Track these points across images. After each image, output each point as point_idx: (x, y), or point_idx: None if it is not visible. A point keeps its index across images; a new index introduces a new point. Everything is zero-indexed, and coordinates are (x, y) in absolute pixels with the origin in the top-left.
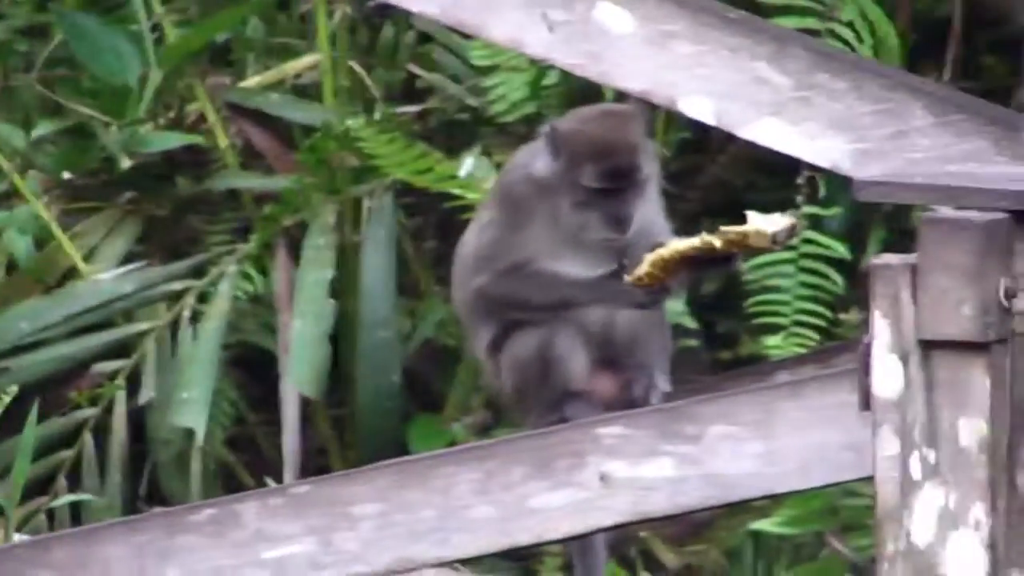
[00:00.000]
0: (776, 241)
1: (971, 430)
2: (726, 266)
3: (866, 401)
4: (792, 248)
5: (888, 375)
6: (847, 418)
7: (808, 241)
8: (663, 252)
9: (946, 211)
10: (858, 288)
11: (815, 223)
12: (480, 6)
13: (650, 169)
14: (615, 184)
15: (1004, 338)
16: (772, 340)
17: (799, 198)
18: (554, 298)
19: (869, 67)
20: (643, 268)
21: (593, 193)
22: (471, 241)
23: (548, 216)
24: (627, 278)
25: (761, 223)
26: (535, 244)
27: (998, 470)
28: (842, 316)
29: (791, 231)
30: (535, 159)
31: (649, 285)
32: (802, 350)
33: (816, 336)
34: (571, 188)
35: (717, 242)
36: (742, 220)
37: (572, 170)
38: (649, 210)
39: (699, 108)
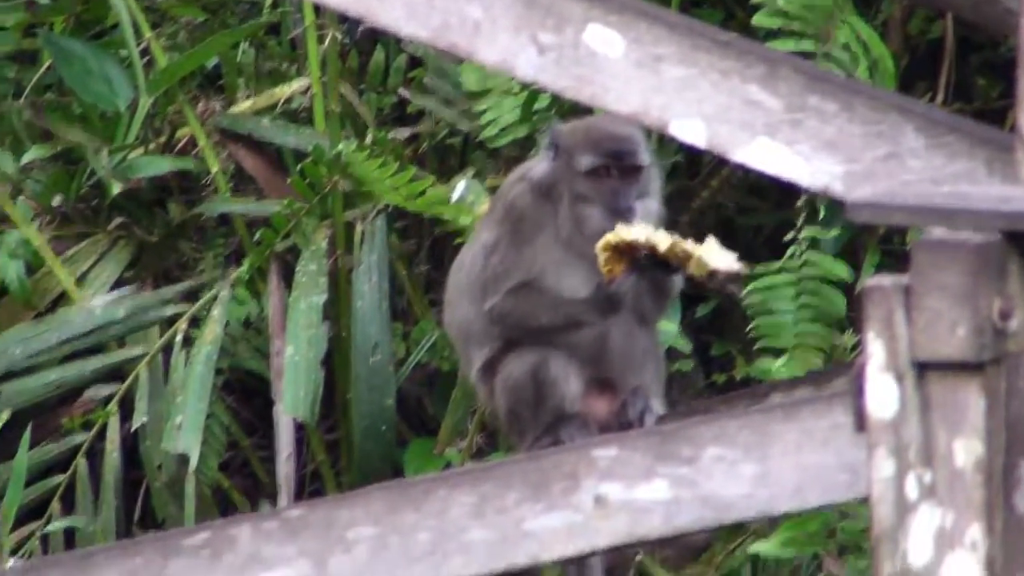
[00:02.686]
0: (713, 277)
1: (967, 451)
2: (667, 273)
3: (861, 422)
4: (792, 271)
5: (883, 396)
6: (842, 439)
7: (808, 263)
8: (609, 236)
9: (939, 232)
10: (857, 310)
11: (815, 244)
12: (470, 29)
13: (648, 161)
14: (611, 164)
15: (998, 358)
16: (775, 363)
17: (799, 220)
18: (559, 318)
19: (860, 89)
20: (600, 255)
21: (591, 181)
22: (474, 263)
23: (550, 224)
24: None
25: (713, 255)
26: (542, 258)
27: (994, 490)
28: (838, 340)
29: (733, 277)
30: (535, 166)
31: (615, 274)
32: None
33: (819, 358)
34: (570, 182)
35: (662, 245)
36: (732, 241)
37: (570, 162)
38: (650, 209)
39: (690, 131)
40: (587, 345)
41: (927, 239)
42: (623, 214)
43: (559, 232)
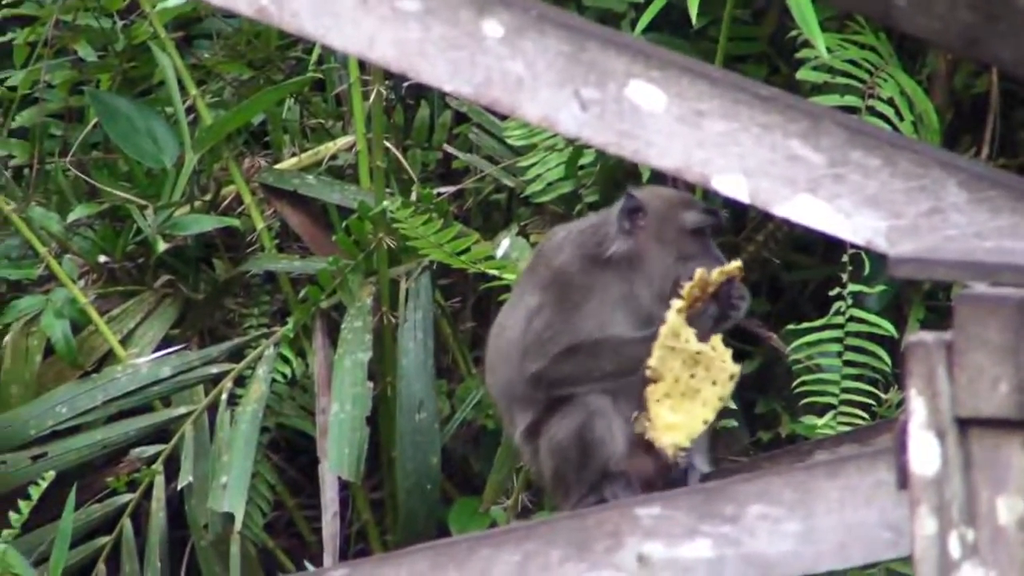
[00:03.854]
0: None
1: (1009, 508)
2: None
3: (903, 480)
4: (838, 327)
5: (925, 453)
6: (885, 497)
7: (853, 319)
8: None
9: (981, 288)
10: (902, 366)
11: (860, 300)
12: (512, 85)
13: None
14: (713, 221)
15: None
16: (820, 420)
17: (844, 276)
18: (621, 360)
19: (903, 143)
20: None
21: (696, 238)
22: (514, 327)
23: (601, 290)
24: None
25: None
26: (591, 323)
27: None
28: (884, 395)
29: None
30: (602, 242)
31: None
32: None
33: (864, 415)
34: (670, 243)
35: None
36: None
37: (669, 225)
38: None
39: (733, 186)
40: (633, 405)
41: (969, 294)
42: (720, 262)
43: (621, 296)
